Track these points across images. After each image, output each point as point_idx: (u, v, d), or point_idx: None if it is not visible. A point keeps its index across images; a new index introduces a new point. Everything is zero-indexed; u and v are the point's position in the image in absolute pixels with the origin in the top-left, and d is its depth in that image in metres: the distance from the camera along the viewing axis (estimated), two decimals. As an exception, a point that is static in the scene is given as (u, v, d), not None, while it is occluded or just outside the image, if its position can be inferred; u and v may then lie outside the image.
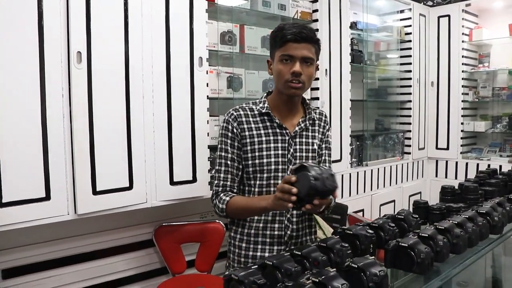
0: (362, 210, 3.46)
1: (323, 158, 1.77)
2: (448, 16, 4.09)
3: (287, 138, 1.65)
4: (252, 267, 1.13)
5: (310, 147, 1.70)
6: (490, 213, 1.66)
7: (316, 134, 1.73)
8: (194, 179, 2.29)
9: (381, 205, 3.67)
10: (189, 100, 2.25)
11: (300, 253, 1.22)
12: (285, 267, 1.12)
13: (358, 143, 3.59)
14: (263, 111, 1.65)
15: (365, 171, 3.54)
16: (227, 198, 1.62)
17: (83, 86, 1.91)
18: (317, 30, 2.99)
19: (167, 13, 2.15)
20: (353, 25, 3.47)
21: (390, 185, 3.85)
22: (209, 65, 2.38)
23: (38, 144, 1.81)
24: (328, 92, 3.09)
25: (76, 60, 1.88)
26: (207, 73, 2.33)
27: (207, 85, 2.34)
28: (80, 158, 1.92)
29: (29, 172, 1.80)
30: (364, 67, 3.63)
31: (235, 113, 1.65)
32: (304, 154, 1.68)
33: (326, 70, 3.05)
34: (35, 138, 1.80)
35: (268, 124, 1.65)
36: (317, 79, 3.01)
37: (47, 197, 1.85)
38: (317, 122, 1.74)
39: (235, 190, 1.67)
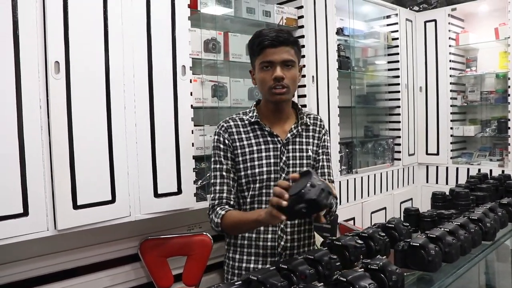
0: (353, 218, 3.41)
1: (320, 164, 1.72)
2: (435, 21, 4.09)
3: (279, 146, 1.62)
4: (236, 283, 1.08)
5: (304, 154, 1.66)
6: (482, 219, 1.63)
7: (311, 140, 1.69)
8: (179, 191, 2.22)
9: (372, 212, 3.63)
10: (172, 109, 2.19)
11: (286, 266, 1.17)
12: (271, 282, 1.07)
13: (347, 150, 3.55)
14: (253, 120, 1.63)
15: (355, 179, 3.50)
16: (222, 212, 1.56)
17: (62, 97, 1.84)
18: (303, 36, 2.97)
19: (148, 21, 2.10)
20: (340, 31, 3.45)
21: (381, 192, 3.80)
22: (193, 74, 2.32)
23: (15, 158, 1.74)
24: (316, 99, 3.05)
25: (54, 70, 1.81)
26: (190, 81, 2.27)
27: (191, 94, 2.28)
28: (60, 172, 1.85)
29: (5, 188, 1.72)
30: (351, 73, 3.60)
31: (225, 125, 1.64)
32: (298, 162, 1.64)
33: (313, 77, 3.01)
34: (11, 151, 1.73)
35: (259, 133, 1.62)
36: (304, 86, 2.97)
37: (25, 212, 1.77)
38: (311, 127, 1.71)
39: (231, 202, 1.62)
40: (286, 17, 2.91)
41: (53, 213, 1.85)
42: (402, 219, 1.72)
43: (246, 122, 1.64)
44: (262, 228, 1.60)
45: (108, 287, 2.31)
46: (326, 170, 1.72)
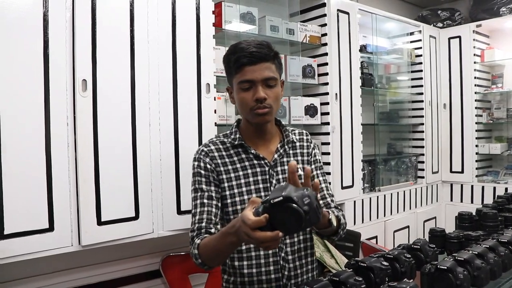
0: (376, 237, 3.36)
1: (322, 185, 1.58)
2: (459, 37, 4.05)
3: (266, 168, 1.47)
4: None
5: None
6: (512, 242, 1.58)
7: (299, 158, 1.55)
8: (201, 208, 2.23)
9: (395, 231, 3.56)
10: (196, 127, 2.21)
11: (311, 289, 1.15)
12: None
13: (370, 168, 3.51)
14: (236, 143, 1.49)
15: (377, 197, 3.45)
16: (198, 241, 1.36)
17: (88, 114, 1.88)
18: (326, 54, 2.97)
19: (174, 39, 2.14)
20: (363, 48, 3.44)
21: (404, 210, 3.74)
22: (217, 91, 2.34)
23: (42, 173, 1.78)
24: (339, 116, 3.04)
25: (81, 88, 1.85)
26: (214, 99, 2.29)
27: (215, 112, 2.30)
28: (85, 188, 1.87)
29: (32, 203, 1.76)
30: (375, 90, 3.57)
31: (205, 149, 1.49)
32: None
33: (336, 94, 3.00)
34: (39, 167, 1.77)
35: (243, 156, 1.48)
36: (327, 103, 2.97)
37: (51, 228, 1.80)
38: (298, 144, 1.57)
39: (212, 231, 1.40)
40: (310, 35, 2.92)
41: (78, 228, 1.88)
42: (427, 239, 1.69)
43: (229, 145, 1.50)
44: (262, 261, 1.45)
45: (130, 303, 2.32)
46: (323, 185, 1.58)
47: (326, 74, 2.97)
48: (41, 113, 1.78)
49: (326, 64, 2.97)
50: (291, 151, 1.55)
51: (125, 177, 2.00)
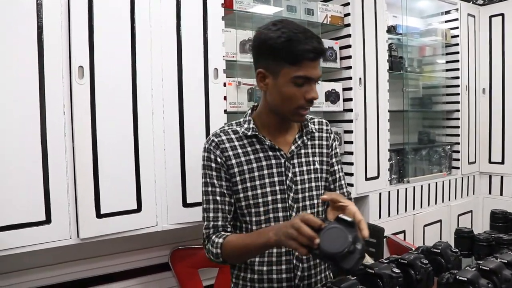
0: (404, 232, 3.16)
1: (337, 175, 1.49)
2: (502, 14, 3.71)
3: (282, 161, 1.37)
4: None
5: (312, 167, 1.41)
6: (548, 249, 1.39)
7: (317, 150, 1.45)
8: (209, 201, 2.12)
9: (425, 225, 3.34)
10: (203, 115, 2.09)
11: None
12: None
13: (398, 157, 3.30)
14: (249, 133, 1.37)
15: (406, 189, 3.23)
16: (221, 240, 1.31)
17: (86, 102, 1.79)
18: (350, 35, 2.78)
19: (178, 22, 2.01)
20: (392, 29, 3.20)
21: (436, 203, 3.50)
22: (228, 77, 2.21)
23: (38, 164, 1.71)
24: (363, 103, 2.85)
25: (78, 75, 1.76)
26: (224, 85, 2.16)
27: (225, 98, 2.16)
28: (83, 179, 1.79)
29: (28, 194, 1.69)
30: (404, 74, 3.34)
31: (216, 140, 1.37)
32: (306, 177, 1.40)
33: (360, 79, 2.81)
34: (34, 157, 1.70)
35: (257, 147, 1.37)
36: (350, 89, 2.78)
37: (48, 220, 1.74)
38: (317, 135, 1.46)
39: (228, 229, 1.37)
40: (331, 15, 2.73)
41: (76, 221, 1.80)
42: (449, 244, 1.51)
43: (242, 135, 1.38)
44: (274, 259, 1.37)
45: (140, 295, 2.26)
46: (343, 182, 1.51)
47: (349, 57, 2.77)
48: (36, 102, 1.70)
49: (349, 46, 2.77)
50: (309, 142, 1.44)
51: (126, 168, 1.91)
